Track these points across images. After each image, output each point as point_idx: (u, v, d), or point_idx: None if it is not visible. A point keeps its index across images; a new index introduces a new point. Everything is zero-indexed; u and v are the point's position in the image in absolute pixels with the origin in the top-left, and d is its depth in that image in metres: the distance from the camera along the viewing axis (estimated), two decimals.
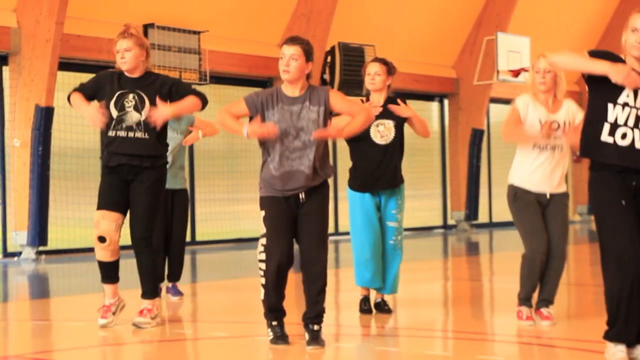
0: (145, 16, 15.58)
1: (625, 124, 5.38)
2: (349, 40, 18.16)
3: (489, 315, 8.39)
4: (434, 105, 21.96)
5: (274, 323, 6.53)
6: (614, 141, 5.39)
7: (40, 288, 11.48)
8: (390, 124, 7.76)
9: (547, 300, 7.22)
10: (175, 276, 9.09)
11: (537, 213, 7.09)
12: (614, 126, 5.40)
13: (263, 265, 6.46)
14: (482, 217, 22.49)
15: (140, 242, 7.32)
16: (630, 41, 5.48)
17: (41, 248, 14.51)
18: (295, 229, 6.51)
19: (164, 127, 7.34)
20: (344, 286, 10.64)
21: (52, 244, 14.75)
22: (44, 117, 14.14)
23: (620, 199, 5.35)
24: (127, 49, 7.39)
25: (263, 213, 6.46)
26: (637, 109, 5.38)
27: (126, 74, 7.42)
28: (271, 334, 6.53)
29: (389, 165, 7.78)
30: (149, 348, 6.84)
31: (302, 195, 6.44)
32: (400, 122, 7.82)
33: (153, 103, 7.23)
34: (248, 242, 17.82)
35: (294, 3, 17.71)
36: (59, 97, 14.63)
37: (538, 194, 7.17)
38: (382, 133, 7.74)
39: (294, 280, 11.87)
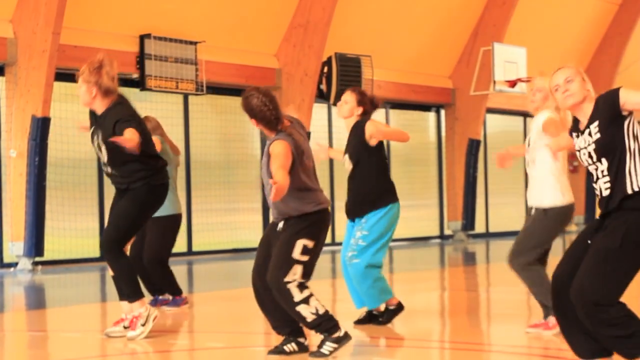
0: (142, 27, 15.60)
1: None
2: (346, 50, 18.17)
3: (485, 325, 8.39)
4: (431, 116, 21.98)
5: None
6: None
7: (36, 299, 11.46)
8: (346, 155, 7.84)
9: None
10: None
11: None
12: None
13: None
14: (479, 227, 22.49)
15: (104, 251, 7.36)
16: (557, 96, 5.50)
17: (37, 259, 14.48)
18: None
19: (125, 158, 7.24)
20: (340, 296, 10.63)
21: (48, 255, 14.72)
22: (41, 128, 14.14)
23: None
24: (79, 87, 7.53)
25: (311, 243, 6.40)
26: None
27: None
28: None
29: (353, 192, 7.80)
30: (146, 359, 6.82)
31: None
32: (357, 149, 7.74)
33: (104, 141, 7.25)
34: (245, 252, 17.81)
35: (291, 14, 17.73)
36: (55, 107, 14.64)
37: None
38: (346, 162, 7.85)
39: None
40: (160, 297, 9.18)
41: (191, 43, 16.12)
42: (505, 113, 23.44)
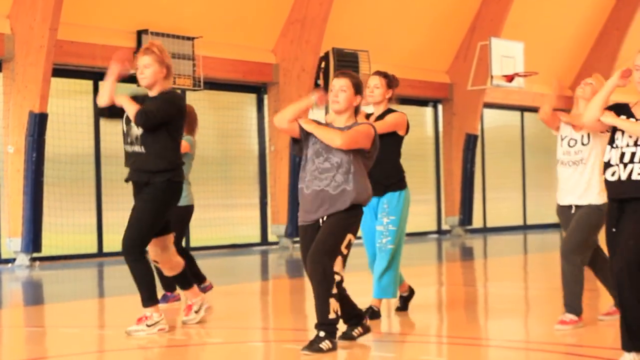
0: (139, 22, 15.59)
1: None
2: (343, 45, 18.16)
3: (483, 320, 8.40)
4: (428, 111, 21.99)
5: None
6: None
7: (34, 294, 11.46)
8: None
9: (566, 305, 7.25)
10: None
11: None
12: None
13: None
14: (477, 222, 22.50)
15: (124, 252, 7.37)
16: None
17: (35, 254, 14.48)
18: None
19: (165, 141, 7.31)
20: None
21: (45, 251, 14.71)
22: (38, 124, 14.13)
23: None
24: (146, 66, 7.50)
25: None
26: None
27: (149, 93, 7.50)
28: None
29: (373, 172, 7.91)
30: (144, 354, 6.83)
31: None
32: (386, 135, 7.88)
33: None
34: (242, 247, 17.83)
35: (288, 9, 17.73)
36: (52, 103, 14.63)
37: None
38: None
39: (288, 285, 11.89)
40: (170, 295, 9.18)
41: (188, 39, 16.11)
42: (503, 108, 23.45)
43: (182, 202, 9.01)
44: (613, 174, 5.72)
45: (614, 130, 5.77)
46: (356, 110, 6.73)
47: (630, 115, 5.72)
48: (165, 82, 7.53)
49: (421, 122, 21.82)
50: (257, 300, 10.54)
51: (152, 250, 7.59)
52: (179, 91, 16.50)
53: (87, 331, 7.81)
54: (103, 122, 15.61)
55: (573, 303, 7.16)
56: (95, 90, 15.80)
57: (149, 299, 7.40)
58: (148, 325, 7.32)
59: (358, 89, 6.68)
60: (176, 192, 7.44)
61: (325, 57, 17.96)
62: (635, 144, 5.64)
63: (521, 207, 24.45)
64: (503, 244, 19.56)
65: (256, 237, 18.35)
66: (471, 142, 21.58)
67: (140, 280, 7.38)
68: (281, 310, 9.64)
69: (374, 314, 7.85)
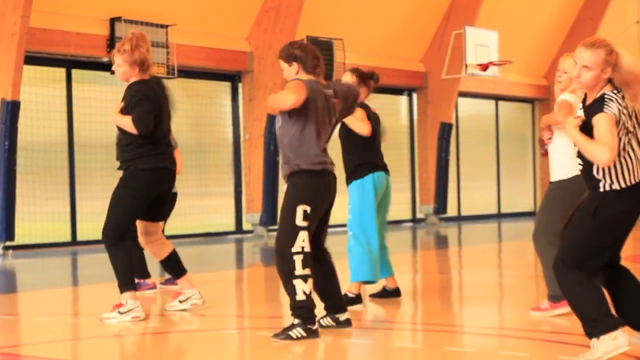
0: (113, 10, 15.49)
1: None
2: (318, 34, 18.13)
3: (457, 307, 8.42)
4: (403, 99, 22.01)
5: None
6: None
7: (7, 283, 11.39)
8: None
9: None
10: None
11: None
12: None
13: None
14: (451, 211, 22.57)
15: (103, 238, 7.49)
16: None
17: (8, 243, 14.40)
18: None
19: (132, 135, 7.44)
20: None
21: (19, 239, 14.64)
22: (10, 112, 14.03)
23: None
24: (118, 65, 7.70)
25: None
26: None
27: None
28: None
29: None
30: (119, 341, 6.81)
31: None
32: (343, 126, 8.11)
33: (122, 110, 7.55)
34: (217, 236, 17.80)
35: None
36: (25, 91, 14.52)
37: None
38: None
39: (263, 273, 11.88)
40: (143, 282, 9.18)
41: (162, 26, 16.03)
42: (477, 97, 23.51)
43: None
44: None
45: None
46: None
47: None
48: (141, 75, 7.63)
49: (396, 111, 21.84)
50: (232, 288, 10.53)
51: (140, 237, 7.79)
52: None
53: (61, 319, 7.77)
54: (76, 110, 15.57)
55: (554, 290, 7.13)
56: (69, 77, 15.72)
57: (124, 285, 7.41)
58: (120, 313, 7.34)
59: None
60: (145, 179, 7.45)
61: None
62: None
63: (495, 195, 24.54)
64: (477, 232, 19.63)
65: (231, 226, 18.32)
66: (446, 131, 21.62)
67: (116, 265, 7.43)
68: (256, 298, 9.64)
69: (347, 300, 7.88)
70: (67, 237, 15.83)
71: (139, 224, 7.72)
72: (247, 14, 17.70)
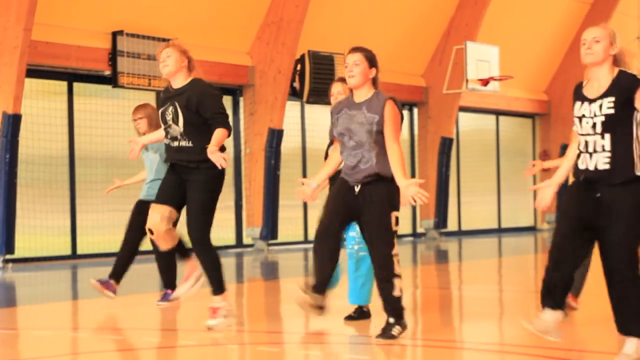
0: (115, 23, 15.52)
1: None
2: (319, 48, 18.17)
3: (457, 323, 8.41)
4: (404, 114, 21.99)
5: None
6: None
7: (7, 296, 11.37)
8: None
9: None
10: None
11: None
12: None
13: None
14: (452, 226, 22.56)
15: (193, 241, 7.58)
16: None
17: (8, 256, 14.38)
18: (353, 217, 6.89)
19: (208, 131, 7.46)
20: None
21: (19, 253, 14.62)
22: (12, 125, 14.03)
23: None
24: (168, 55, 7.62)
25: None
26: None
27: (170, 85, 7.66)
28: None
29: None
30: (118, 357, 6.80)
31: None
32: None
33: (185, 114, 7.46)
34: (217, 250, 17.74)
35: (264, 11, 17.71)
36: (26, 104, 14.54)
37: None
38: None
39: (263, 287, 11.86)
40: (170, 293, 9.24)
41: (164, 40, 16.01)
42: (478, 112, 23.52)
43: (148, 196, 9.04)
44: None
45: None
46: (374, 83, 7.08)
47: (580, 95, 5.77)
48: (190, 73, 7.72)
49: None
50: (232, 302, 10.51)
51: (154, 218, 7.57)
52: (153, 93, 16.53)
53: (60, 333, 7.75)
54: (77, 124, 15.58)
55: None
56: (70, 91, 15.73)
57: (216, 289, 7.61)
58: (225, 317, 7.58)
59: (372, 62, 7.15)
60: (223, 175, 7.57)
61: (301, 60, 17.95)
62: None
63: (496, 210, 24.53)
64: (478, 247, 19.61)
65: (231, 240, 18.31)
66: (446, 146, 21.63)
67: (208, 270, 7.59)
68: (256, 312, 9.62)
69: (362, 314, 7.92)
70: (68, 251, 15.82)
71: (169, 211, 7.58)
72: (248, 28, 17.72)
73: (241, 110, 18.29)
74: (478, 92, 21.17)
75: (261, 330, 7.96)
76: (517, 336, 7.31)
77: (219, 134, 7.42)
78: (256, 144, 17.90)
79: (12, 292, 11.91)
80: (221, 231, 18.13)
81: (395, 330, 6.77)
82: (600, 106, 5.61)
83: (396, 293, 6.74)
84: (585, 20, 24.83)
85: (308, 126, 19.29)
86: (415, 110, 22.00)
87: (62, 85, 15.65)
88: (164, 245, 7.78)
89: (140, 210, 9.08)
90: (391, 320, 6.77)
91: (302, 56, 17.97)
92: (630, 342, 5.68)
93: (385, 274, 6.78)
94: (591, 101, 5.67)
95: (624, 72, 5.66)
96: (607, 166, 5.60)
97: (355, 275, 7.92)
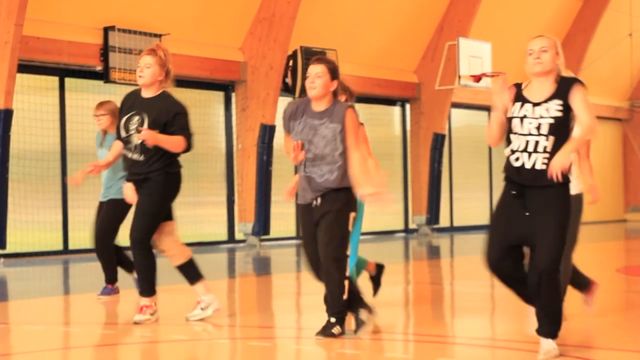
0: (106, 19, 15.50)
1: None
2: (311, 44, 18.16)
3: (449, 318, 8.42)
4: (396, 110, 22.03)
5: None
6: None
7: None
8: None
9: None
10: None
11: None
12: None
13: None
14: (444, 222, 22.58)
15: (132, 242, 7.60)
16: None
17: (0, 251, 14.36)
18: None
19: (157, 147, 7.49)
20: (305, 290, 10.65)
21: (11, 248, 14.61)
22: (3, 120, 14.01)
23: None
24: (148, 66, 7.68)
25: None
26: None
27: (142, 93, 7.69)
28: None
29: None
30: (109, 351, 6.79)
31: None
32: None
33: (151, 127, 7.48)
34: (209, 245, 17.78)
35: (256, 7, 17.70)
36: (18, 99, 14.51)
37: None
38: None
39: (255, 283, 11.86)
40: (111, 287, 9.36)
41: (156, 35, 16.03)
42: (470, 108, 23.54)
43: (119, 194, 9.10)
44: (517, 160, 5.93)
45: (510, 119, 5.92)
46: (334, 94, 6.89)
47: (521, 97, 5.91)
48: (162, 85, 7.76)
49: (389, 122, 21.86)
50: (224, 297, 10.51)
51: (156, 237, 7.71)
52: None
53: (52, 328, 7.75)
54: (69, 119, 15.55)
55: None
56: (62, 86, 15.71)
57: (149, 290, 7.72)
58: (151, 314, 7.68)
59: (334, 74, 6.87)
60: (175, 182, 7.64)
61: (294, 56, 17.95)
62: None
63: (488, 206, 24.55)
64: (470, 242, 19.63)
65: (223, 235, 18.31)
66: (439, 142, 21.65)
67: (142, 271, 7.67)
68: (247, 307, 9.62)
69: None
70: (59, 246, 15.81)
71: (163, 225, 7.72)
72: (240, 24, 17.71)
73: (233, 106, 18.28)
74: (470, 89, 21.18)
75: (253, 325, 7.97)
76: (508, 331, 7.33)
77: (176, 138, 7.55)
78: (248, 139, 17.89)
79: (4, 287, 11.90)
80: (213, 226, 18.15)
81: (335, 329, 6.75)
82: (547, 109, 5.78)
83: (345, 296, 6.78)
84: (577, 18, 24.88)
85: None
86: (408, 107, 22.01)
87: (54, 80, 15.63)
88: (176, 261, 7.89)
89: (100, 211, 9.42)
90: (332, 319, 6.78)
91: (294, 52, 17.97)
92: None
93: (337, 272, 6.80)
94: (535, 104, 5.82)
95: (565, 77, 5.89)
96: (544, 166, 5.78)
97: None
